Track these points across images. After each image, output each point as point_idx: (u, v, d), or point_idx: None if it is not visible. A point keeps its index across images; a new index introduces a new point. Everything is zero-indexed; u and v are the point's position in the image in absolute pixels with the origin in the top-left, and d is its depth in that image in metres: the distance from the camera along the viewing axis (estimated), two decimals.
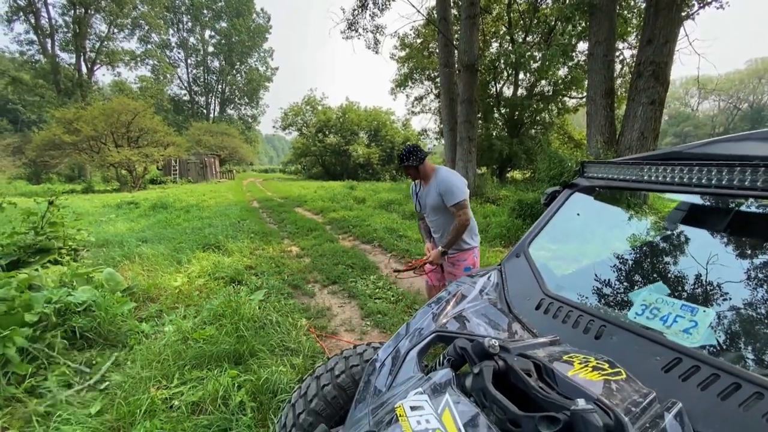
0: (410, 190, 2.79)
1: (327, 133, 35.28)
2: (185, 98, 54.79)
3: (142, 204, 12.60)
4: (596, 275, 1.52)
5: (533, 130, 20.69)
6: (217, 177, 32.98)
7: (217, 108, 57.37)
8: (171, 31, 50.33)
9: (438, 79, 20.75)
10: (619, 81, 15.12)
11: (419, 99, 24.98)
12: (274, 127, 39.93)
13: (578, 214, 1.74)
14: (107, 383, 2.50)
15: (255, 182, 31.22)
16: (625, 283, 1.45)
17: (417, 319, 1.36)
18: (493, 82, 19.31)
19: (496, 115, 20.61)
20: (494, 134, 19.53)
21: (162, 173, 27.73)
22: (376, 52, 17.25)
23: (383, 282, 4.66)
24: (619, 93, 14.62)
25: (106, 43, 38.36)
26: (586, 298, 1.41)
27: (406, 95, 27.87)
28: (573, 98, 19.51)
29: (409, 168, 2.48)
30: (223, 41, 52.97)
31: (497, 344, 0.94)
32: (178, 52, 52.49)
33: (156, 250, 5.49)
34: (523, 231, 6.61)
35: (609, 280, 1.48)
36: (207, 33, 53.89)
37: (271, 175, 49.92)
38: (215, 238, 6.20)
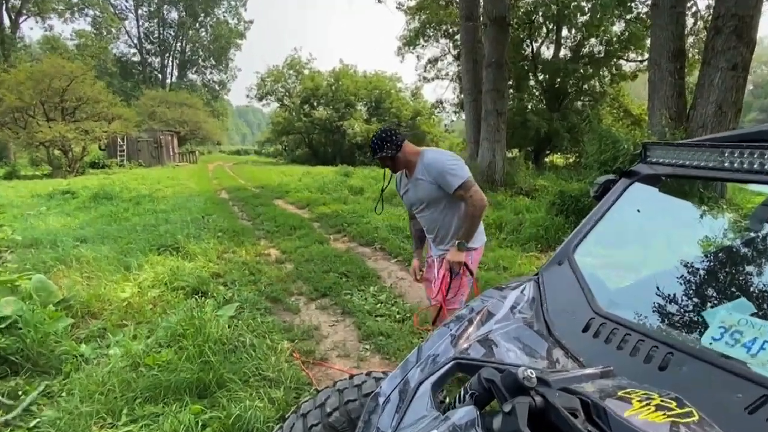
0: (395, 185, 2.79)
1: (315, 104, 35.35)
2: (135, 59, 54.86)
3: (81, 193, 12.65)
4: (661, 288, 1.51)
5: (579, 103, 20.63)
6: (176, 160, 33.11)
7: (176, 72, 57.45)
8: None
9: (458, 37, 20.73)
10: (690, 40, 15.04)
11: (433, 61, 25.00)
12: (248, 96, 40.28)
13: (638, 211, 1.73)
14: (37, 420, 2.53)
15: (223, 167, 31.34)
16: (698, 300, 1.45)
17: (431, 342, 1.36)
18: (528, 41, 19.24)
19: (532, 82, 20.57)
20: (529, 107, 19.50)
21: (105, 154, 27.86)
22: (379, 1, 17.23)
23: (386, 295, 4.68)
24: (690, 55, 14.55)
25: None
26: (648, 317, 1.40)
27: (417, 56, 28.03)
28: (631, 62, 19.44)
29: (385, 159, 2.48)
30: None
31: (534, 375, 0.94)
32: (126, 1, 52.49)
33: (98, 252, 5.52)
34: (565, 231, 6.61)
35: (677, 294, 1.47)
36: None
37: (243, 158, 50.06)
38: (173, 237, 6.23)
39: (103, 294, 4.22)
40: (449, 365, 1.21)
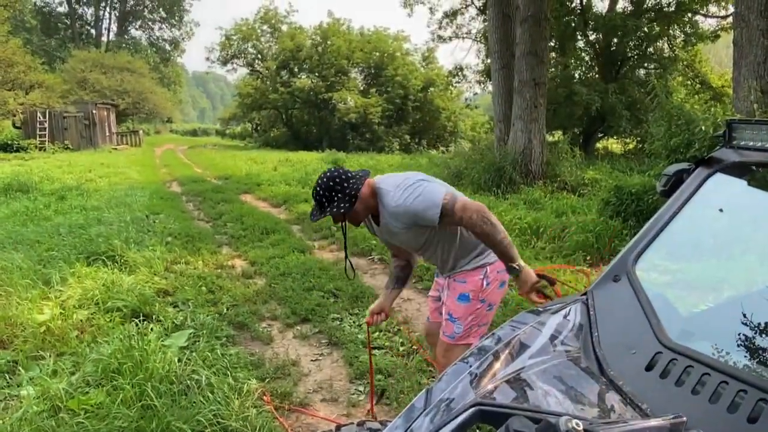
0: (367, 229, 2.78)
1: (296, 70, 35.51)
2: (61, 9, 55.05)
3: None
4: (749, 314, 1.49)
5: (642, 71, 20.63)
6: (113, 141, 33.19)
7: (114, 27, 57.68)
8: None
9: None
10: None
11: (451, 15, 25.05)
12: (208, 59, 40.30)
13: (721, 210, 1.72)
14: None
15: (175, 151, 31.45)
16: None
17: (444, 383, 1.35)
18: None
19: (581, 44, 20.59)
20: (577, 76, 19.54)
21: (21, 133, 27.89)
22: None
23: (386, 322, 4.66)
24: None
25: None
26: (732, 352, 1.39)
27: (430, 8, 27.82)
28: (711, 17, 19.40)
29: (337, 217, 2.42)
30: None
31: (581, 428, 0.93)
32: None
33: (9, 260, 5.51)
34: (622, 239, 6.60)
35: None
36: None
37: (201, 140, 50.24)
38: (108, 242, 6.22)
39: (15, 316, 4.21)
40: (468, 413, 1.20)
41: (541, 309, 1.64)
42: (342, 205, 2.31)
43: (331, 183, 2.31)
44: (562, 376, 1.35)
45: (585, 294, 1.65)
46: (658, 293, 1.60)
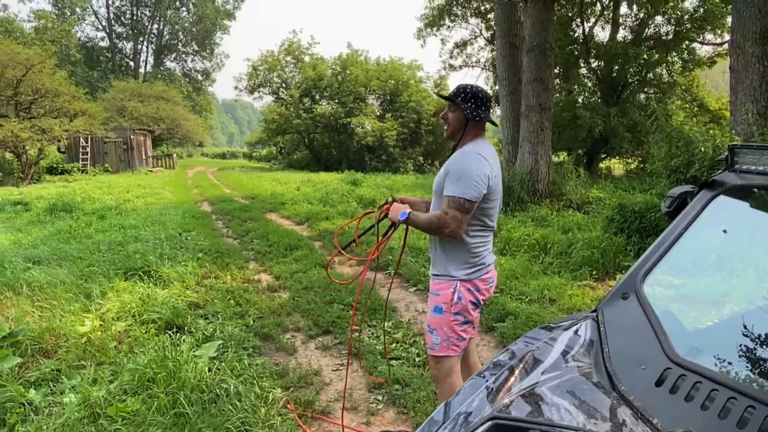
0: None
1: (318, 98, 35.80)
2: (103, 44, 56.46)
3: (35, 205, 12.92)
4: (754, 329, 1.46)
5: (643, 95, 20.51)
6: (149, 164, 33.70)
7: (151, 59, 58.90)
8: None
9: (491, 16, 20.91)
10: None
11: (461, 45, 25.17)
12: (236, 88, 40.86)
13: (725, 231, 1.69)
14: None
15: (206, 173, 31.80)
16: None
17: (462, 396, 1.33)
18: (578, 20, 19.28)
19: (584, 70, 20.55)
20: (580, 101, 19.44)
21: (66, 158, 28.46)
22: None
23: (403, 332, 4.64)
24: None
25: None
26: (740, 367, 1.36)
27: (442, 40, 28.30)
28: (707, 44, 19.28)
29: (446, 114, 2.52)
30: None
31: None
32: None
33: (54, 276, 5.59)
34: (626, 255, 6.52)
35: None
36: None
37: (230, 162, 50.79)
38: (144, 258, 6.29)
39: (59, 327, 4.25)
40: (485, 426, 1.18)
41: (553, 325, 1.62)
42: (468, 106, 2.43)
43: (480, 94, 2.44)
44: (575, 390, 1.33)
45: (595, 310, 1.63)
46: (665, 310, 1.58)
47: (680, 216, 1.70)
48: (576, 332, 1.56)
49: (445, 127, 2.55)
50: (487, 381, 1.36)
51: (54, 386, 3.46)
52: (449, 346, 2.49)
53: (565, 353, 1.48)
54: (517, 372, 1.39)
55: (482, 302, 2.56)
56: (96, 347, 4.01)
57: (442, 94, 2.52)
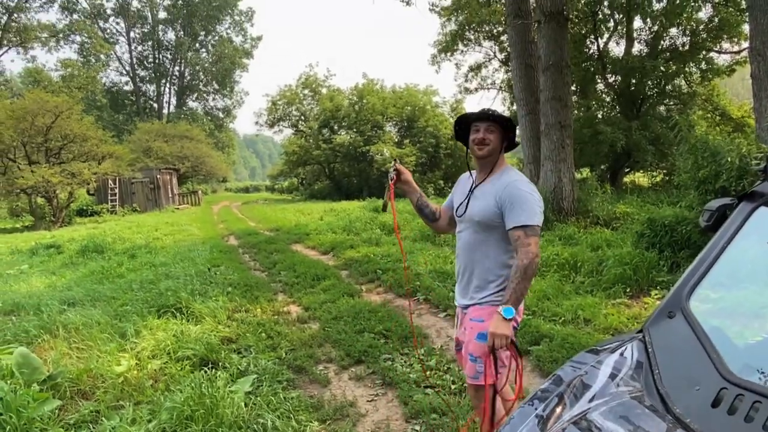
0: (457, 182, 2.83)
1: (336, 128, 36.26)
2: (127, 88, 58.26)
3: (67, 247, 13.20)
4: None
5: (663, 107, 20.31)
6: (176, 202, 34.32)
7: (174, 100, 60.53)
8: None
9: (504, 38, 21.07)
10: None
11: (476, 68, 25.36)
12: (257, 123, 41.71)
13: None
14: None
15: (231, 207, 32.24)
16: None
17: (511, 426, 1.30)
18: (592, 37, 19.30)
19: (601, 86, 20.48)
20: (600, 116, 19.34)
21: (95, 200, 29.17)
22: (407, 3, 17.80)
23: (436, 359, 4.57)
24: None
25: (15, 15, 41.68)
26: None
27: (456, 64, 28.48)
28: (725, 53, 19.09)
29: (489, 130, 2.45)
30: (179, 2, 56.34)
31: None
32: (117, 22, 56.32)
33: (89, 317, 5.67)
34: (659, 270, 6.38)
35: None
36: None
37: (253, 196, 51.46)
38: (175, 295, 6.35)
39: (96, 368, 4.28)
40: None
41: (599, 348, 1.58)
42: (512, 136, 2.53)
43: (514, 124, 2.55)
44: (628, 415, 1.29)
45: (641, 331, 1.59)
46: (713, 326, 1.53)
47: (721, 230, 1.66)
48: (622, 354, 1.52)
49: (486, 147, 2.46)
50: (536, 409, 1.32)
51: (93, 427, 3.47)
52: (494, 374, 2.42)
53: (613, 376, 1.44)
54: (566, 398, 1.35)
55: (518, 326, 2.51)
56: (133, 386, 4.03)
57: (493, 113, 2.45)
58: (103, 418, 3.52)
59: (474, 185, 2.59)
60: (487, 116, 2.45)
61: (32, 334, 5.22)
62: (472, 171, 2.70)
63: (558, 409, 1.32)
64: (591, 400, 1.35)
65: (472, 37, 23.30)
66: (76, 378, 4.13)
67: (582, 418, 1.28)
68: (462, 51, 24.11)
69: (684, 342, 1.44)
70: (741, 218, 1.64)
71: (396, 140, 35.26)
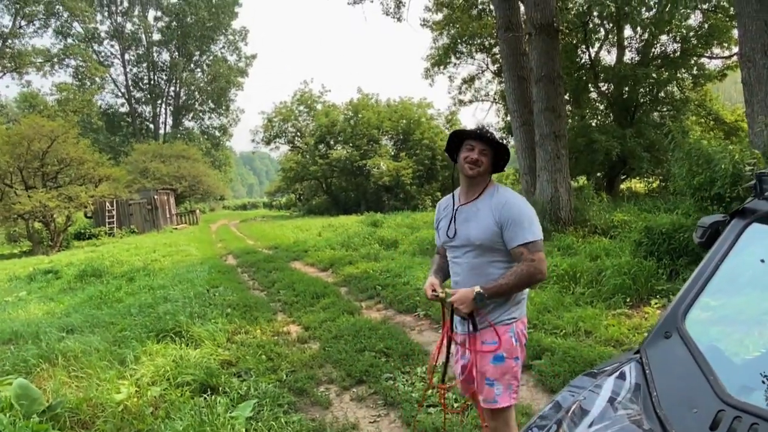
0: (437, 211, 2.74)
1: (332, 143, 36.39)
2: (123, 110, 58.51)
3: (65, 272, 13.17)
4: None
5: (656, 114, 20.43)
6: (174, 222, 34.32)
7: (170, 120, 60.74)
8: (99, 17, 54.54)
9: (496, 50, 21.21)
10: None
11: (469, 81, 25.52)
12: (253, 141, 41.77)
13: (762, 261, 1.64)
14: None
15: (229, 226, 32.22)
16: None
17: None
18: (583, 47, 19.46)
19: (594, 95, 20.63)
20: (594, 125, 19.43)
21: (92, 222, 29.15)
22: (399, 20, 17.97)
23: (438, 377, 4.53)
24: None
25: (10, 41, 41.95)
26: None
27: (449, 77, 28.55)
28: (716, 58, 19.26)
29: (483, 153, 2.40)
30: (173, 24, 56.78)
31: None
32: (111, 45, 56.73)
33: (87, 344, 5.64)
34: (658, 278, 6.37)
35: None
36: (150, 14, 58.09)
37: (251, 213, 51.46)
38: (174, 319, 6.32)
39: (95, 397, 4.25)
40: None
41: (596, 371, 1.57)
42: (500, 149, 2.47)
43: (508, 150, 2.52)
44: None
45: (638, 352, 1.59)
46: (710, 345, 1.53)
47: (714, 247, 1.66)
48: (621, 377, 1.51)
49: (477, 169, 2.42)
50: None
51: None
52: (511, 394, 2.40)
53: (612, 400, 1.43)
54: (564, 425, 1.34)
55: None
56: (133, 414, 3.99)
57: (487, 134, 2.43)
58: None
59: (459, 204, 2.54)
60: (483, 137, 2.41)
61: (31, 364, 5.19)
62: (454, 193, 2.63)
63: None
64: (590, 426, 1.34)
65: (465, 50, 23.48)
66: (76, 407, 4.09)
67: None
68: (455, 64, 24.27)
69: (681, 363, 1.44)
70: (733, 235, 1.65)
71: (392, 153, 35.42)
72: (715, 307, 1.65)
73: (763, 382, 1.48)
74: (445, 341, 2.56)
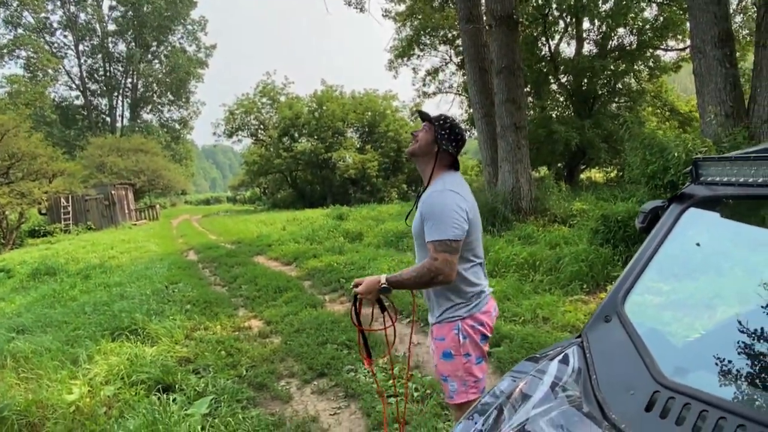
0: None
1: (297, 136, 36.01)
2: (77, 102, 56.52)
3: (18, 271, 12.72)
4: (741, 341, 1.44)
5: (614, 105, 20.92)
6: (133, 218, 33.44)
7: (127, 113, 59.01)
8: (51, 6, 52.45)
9: (459, 42, 21.32)
10: (738, 19, 15.39)
11: (433, 73, 25.59)
12: (215, 134, 41.08)
13: (698, 244, 1.69)
14: None
15: (190, 221, 31.62)
16: None
17: None
18: (543, 39, 19.75)
19: (554, 86, 20.96)
20: (554, 116, 19.77)
21: (47, 219, 28.18)
22: (361, 10, 17.87)
23: (399, 367, 4.57)
24: (740, 37, 14.86)
25: None
26: (729, 383, 1.33)
27: (413, 69, 28.56)
28: (671, 50, 19.83)
29: (417, 132, 2.46)
30: (129, 13, 55.07)
31: None
32: (64, 36, 54.58)
33: (39, 344, 5.47)
34: (615, 265, 6.54)
35: (763, 346, 1.40)
36: (105, 4, 56.26)
37: (214, 208, 50.64)
38: (130, 317, 6.17)
39: (45, 398, 4.12)
40: None
41: (539, 356, 1.59)
42: (442, 133, 2.40)
43: (456, 129, 2.44)
44: (566, 423, 1.30)
45: (580, 336, 1.61)
46: (649, 328, 1.56)
47: (653, 232, 1.70)
48: (563, 361, 1.53)
49: (413, 144, 2.45)
50: (476, 424, 1.32)
51: None
52: (467, 390, 2.36)
53: (554, 385, 1.45)
54: (505, 411, 1.35)
55: (489, 334, 2.45)
56: (85, 415, 3.89)
57: (422, 112, 2.47)
58: None
59: (420, 193, 2.51)
60: (419, 116, 2.50)
61: None
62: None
63: (498, 423, 1.32)
64: (531, 410, 1.36)
65: (428, 41, 23.54)
66: (24, 410, 3.97)
67: (521, 429, 1.28)
68: (418, 56, 24.30)
69: (620, 346, 1.46)
70: (671, 220, 1.68)
71: (358, 146, 35.29)
72: (653, 290, 1.69)
73: (699, 364, 1.53)
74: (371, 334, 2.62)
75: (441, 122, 2.43)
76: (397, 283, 2.28)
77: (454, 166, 2.48)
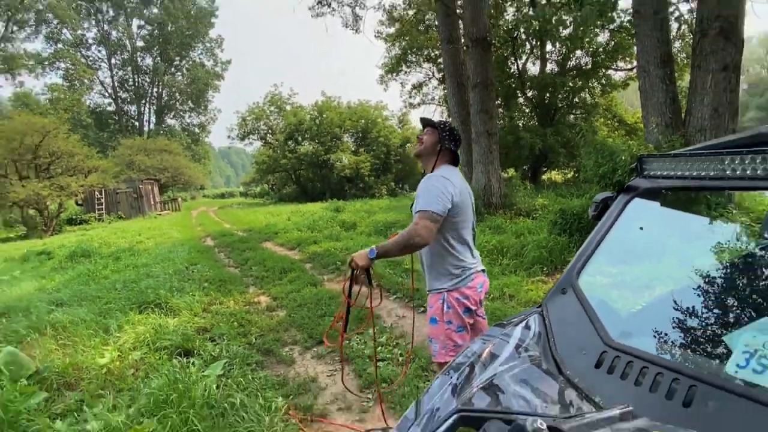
0: None
1: (300, 139, 35.74)
2: (110, 109, 55.69)
3: (57, 253, 12.54)
4: (676, 311, 1.46)
5: (572, 116, 21.00)
6: (157, 209, 33.09)
7: (153, 118, 58.25)
8: (87, 25, 51.62)
9: (441, 60, 21.24)
10: (678, 44, 15.44)
11: (418, 87, 25.46)
12: (229, 137, 40.56)
13: (641, 228, 1.70)
14: None
15: (208, 212, 31.34)
16: (718, 321, 1.40)
17: (430, 394, 1.30)
18: (512, 58, 19.71)
19: (521, 100, 20.97)
20: (521, 125, 19.80)
21: (83, 209, 27.84)
22: (356, 31, 17.71)
23: (387, 336, 4.59)
24: (679, 59, 14.94)
25: (3, 45, 39.23)
26: (665, 345, 1.35)
27: (401, 83, 28.42)
28: (620, 70, 19.90)
29: (422, 136, 2.51)
30: (155, 32, 54.27)
31: (544, 426, 0.88)
32: (98, 50, 53.73)
33: (75, 315, 5.41)
34: (570, 251, 6.58)
35: (694, 317, 1.42)
36: (134, 23, 55.34)
37: (228, 201, 50.18)
38: (155, 292, 6.12)
39: (80, 362, 4.09)
40: (452, 419, 1.15)
41: (505, 322, 1.60)
42: (444, 135, 2.47)
43: (454, 131, 2.52)
44: (528, 379, 1.31)
45: (540, 306, 1.62)
46: (599, 299, 1.57)
47: (603, 219, 1.71)
48: (526, 326, 1.54)
49: (419, 146, 2.51)
50: (452, 379, 1.33)
51: (78, 416, 3.30)
52: (447, 352, 2.41)
53: (518, 346, 1.46)
54: (476, 367, 1.36)
55: (474, 307, 2.47)
56: (115, 376, 3.87)
57: (426, 118, 2.52)
58: (86, 407, 3.35)
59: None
60: (422, 122, 2.55)
61: (21, 334, 4.92)
62: None
63: (470, 377, 1.32)
64: (498, 367, 1.37)
65: (414, 59, 23.39)
66: (62, 371, 3.93)
67: (490, 384, 1.29)
68: (405, 72, 24.13)
69: (574, 314, 1.47)
70: (619, 208, 1.69)
71: (353, 149, 35.13)
72: (602, 268, 1.70)
73: (640, 330, 1.54)
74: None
75: (443, 126, 2.51)
76: (385, 250, 2.28)
77: (454, 161, 2.55)
